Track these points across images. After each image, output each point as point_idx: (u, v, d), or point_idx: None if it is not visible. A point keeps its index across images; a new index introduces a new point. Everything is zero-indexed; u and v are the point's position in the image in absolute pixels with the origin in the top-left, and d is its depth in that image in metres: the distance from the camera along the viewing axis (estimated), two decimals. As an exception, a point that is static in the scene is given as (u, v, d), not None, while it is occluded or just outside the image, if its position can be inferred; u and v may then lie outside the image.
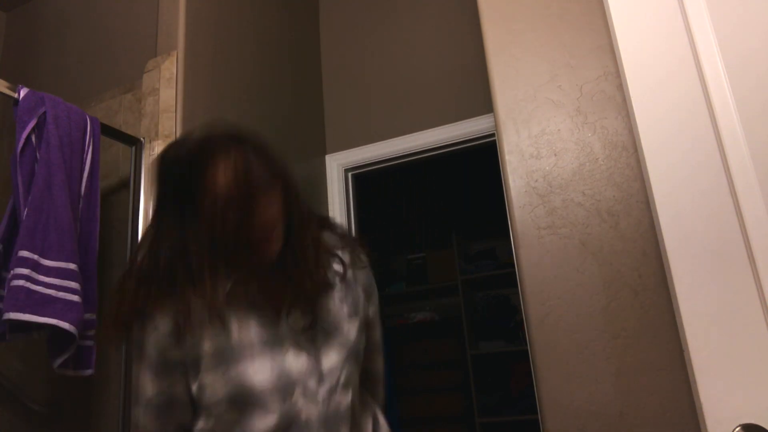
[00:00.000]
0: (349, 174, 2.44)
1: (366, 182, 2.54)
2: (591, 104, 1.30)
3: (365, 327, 1.08)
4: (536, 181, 1.32)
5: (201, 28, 1.87)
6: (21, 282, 1.29)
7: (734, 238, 1.02)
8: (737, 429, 0.94)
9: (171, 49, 1.77)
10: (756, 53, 1.07)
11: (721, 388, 0.98)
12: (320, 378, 0.97)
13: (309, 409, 0.94)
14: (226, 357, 0.92)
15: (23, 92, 1.43)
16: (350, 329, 1.03)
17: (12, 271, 1.30)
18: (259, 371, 0.92)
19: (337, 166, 2.41)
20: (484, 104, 2.05)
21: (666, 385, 1.11)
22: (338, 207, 2.36)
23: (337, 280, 1.04)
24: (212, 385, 0.91)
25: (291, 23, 2.46)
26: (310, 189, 2.31)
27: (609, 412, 1.14)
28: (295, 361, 0.95)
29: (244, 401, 0.91)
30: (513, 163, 1.35)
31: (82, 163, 1.51)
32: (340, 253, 1.07)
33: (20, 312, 1.27)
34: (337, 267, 1.06)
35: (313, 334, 0.99)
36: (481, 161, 2.62)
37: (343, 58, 2.58)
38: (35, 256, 1.33)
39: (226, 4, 2.03)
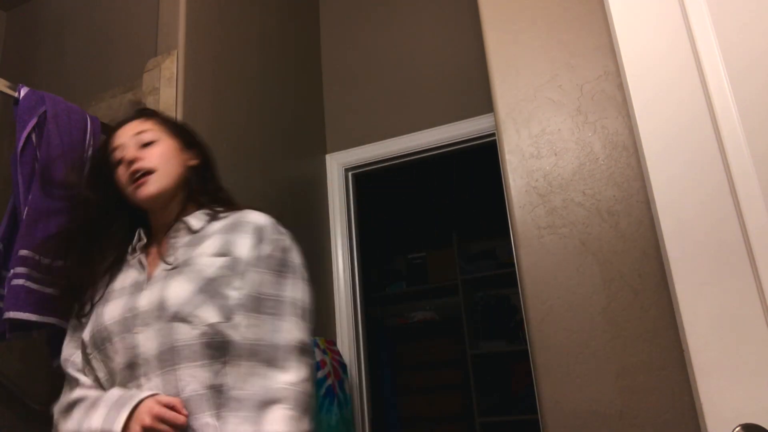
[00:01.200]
0: (350, 173, 2.44)
1: (366, 182, 2.54)
2: (591, 104, 1.30)
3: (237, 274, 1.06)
4: (536, 180, 1.32)
5: (201, 27, 1.87)
6: (21, 281, 1.29)
7: (734, 238, 1.02)
8: (737, 429, 0.94)
9: (171, 49, 1.77)
10: (756, 50, 1.07)
11: (721, 388, 0.98)
12: (161, 310, 1.02)
13: (146, 344, 1.00)
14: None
15: (23, 91, 1.43)
16: (207, 265, 1.06)
17: (12, 270, 1.30)
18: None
19: (337, 165, 2.41)
20: (484, 104, 2.05)
21: (666, 385, 1.11)
22: (338, 207, 2.36)
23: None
24: None
25: (291, 22, 2.46)
26: (310, 189, 2.31)
27: (609, 412, 1.14)
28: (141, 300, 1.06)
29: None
30: (513, 162, 1.35)
31: (83, 163, 1.51)
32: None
33: (20, 311, 1.27)
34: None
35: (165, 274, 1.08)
36: (482, 161, 2.62)
37: (343, 58, 2.58)
38: (36, 255, 1.32)
39: (227, 3, 2.03)
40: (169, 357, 0.98)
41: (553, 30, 1.37)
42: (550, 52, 1.36)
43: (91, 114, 1.59)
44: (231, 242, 1.09)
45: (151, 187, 1.11)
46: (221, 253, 1.07)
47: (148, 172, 1.12)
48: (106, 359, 1.04)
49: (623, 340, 1.17)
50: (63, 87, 1.95)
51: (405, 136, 2.33)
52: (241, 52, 2.05)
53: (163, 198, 1.14)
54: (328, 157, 2.44)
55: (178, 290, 1.03)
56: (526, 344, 1.28)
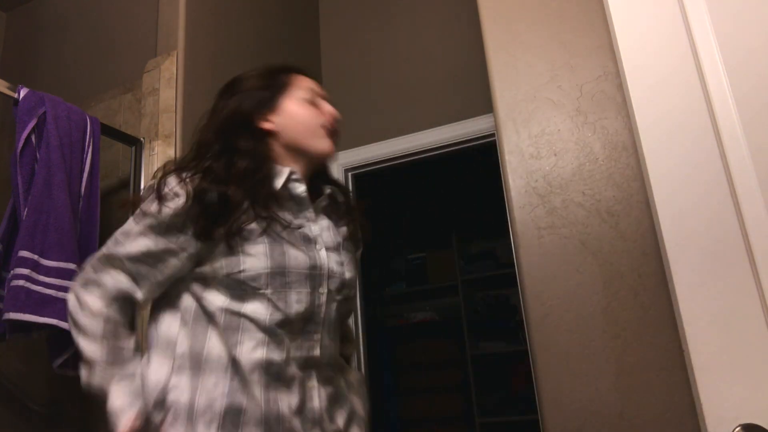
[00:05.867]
0: (350, 174, 2.44)
1: (366, 182, 2.54)
2: (591, 104, 1.30)
3: None
4: (536, 181, 1.32)
5: (201, 28, 1.87)
6: (21, 282, 1.29)
7: (734, 238, 1.02)
8: (737, 429, 0.94)
9: (171, 49, 1.77)
10: (756, 53, 1.07)
11: (721, 388, 0.98)
12: (342, 280, 1.11)
13: (326, 308, 1.07)
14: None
15: (23, 92, 1.43)
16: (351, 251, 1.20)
17: (12, 271, 1.30)
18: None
19: (337, 165, 2.41)
20: (484, 104, 2.05)
21: (666, 385, 1.11)
22: (338, 207, 2.36)
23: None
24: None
25: (291, 23, 2.46)
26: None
27: (609, 412, 1.14)
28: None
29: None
30: (513, 163, 1.35)
31: (82, 163, 1.51)
32: None
33: (20, 312, 1.27)
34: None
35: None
36: (481, 161, 2.62)
37: (343, 58, 2.58)
38: (35, 256, 1.33)
39: (226, 4, 2.03)
40: (336, 326, 1.10)
41: (553, 30, 1.37)
42: (550, 52, 1.36)
43: (91, 114, 1.59)
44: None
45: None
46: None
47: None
48: (283, 303, 1.00)
49: (623, 340, 1.17)
50: (63, 87, 1.95)
51: (405, 136, 2.33)
52: (241, 52, 2.05)
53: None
54: (328, 157, 2.44)
55: (351, 269, 1.13)
56: (526, 344, 1.28)
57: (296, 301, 1.01)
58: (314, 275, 1.04)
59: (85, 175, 1.51)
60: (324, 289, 1.05)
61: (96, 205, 1.53)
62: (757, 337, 0.97)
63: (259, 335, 0.98)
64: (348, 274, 1.11)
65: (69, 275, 1.36)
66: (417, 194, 3.85)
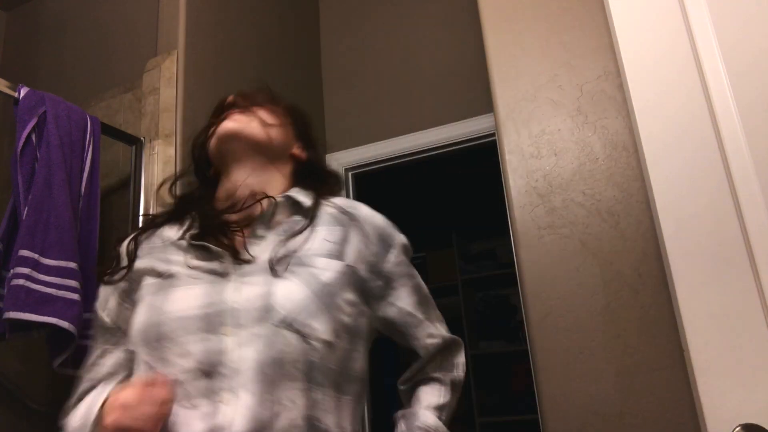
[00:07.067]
0: (350, 174, 2.44)
1: (366, 182, 2.54)
2: (591, 104, 1.30)
3: (360, 279, 0.94)
4: (536, 180, 1.32)
5: (201, 27, 1.87)
6: (21, 281, 1.29)
7: (734, 237, 1.02)
8: (737, 429, 0.94)
9: (171, 49, 1.77)
10: (756, 51, 1.07)
11: (721, 388, 0.98)
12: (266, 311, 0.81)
13: (240, 351, 0.78)
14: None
15: (23, 91, 1.43)
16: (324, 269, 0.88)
17: (12, 270, 1.30)
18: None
19: (337, 165, 2.41)
20: (484, 104, 2.05)
21: (666, 385, 1.11)
22: (338, 207, 2.36)
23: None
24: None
25: (291, 22, 2.46)
26: (310, 189, 2.31)
27: (609, 412, 1.14)
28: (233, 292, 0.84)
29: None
30: (513, 162, 1.35)
31: (83, 163, 1.51)
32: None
33: (20, 311, 1.27)
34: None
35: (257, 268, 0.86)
36: (482, 161, 2.62)
37: (343, 58, 2.57)
38: (35, 255, 1.32)
39: (226, 3, 2.03)
40: (270, 372, 0.78)
41: (553, 30, 1.37)
42: (550, 52, 1.36)
43: (92, 114, 1.59)
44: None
45: (232, 123, 0.98)
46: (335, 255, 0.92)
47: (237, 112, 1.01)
48: (162, 363, 0.80)
49: (623, 340, 1.17)
50: (63, 87, 1.95)
51: (405, 136, 2.33)
52: (241, 52, 2.05)
53: (248, 146, 0.99)
54: (328, 156, 2.44)
55: (290, 291, 0.83)
56: (526, 344, 1.28)
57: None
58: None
59: (86, 174, 1.51)
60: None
61: (96, 205, 1.53)
62: (757, 338, 0.97)
63: None
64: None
65: (69, 274, 1.36)
66: (417, 194, 3.85)
